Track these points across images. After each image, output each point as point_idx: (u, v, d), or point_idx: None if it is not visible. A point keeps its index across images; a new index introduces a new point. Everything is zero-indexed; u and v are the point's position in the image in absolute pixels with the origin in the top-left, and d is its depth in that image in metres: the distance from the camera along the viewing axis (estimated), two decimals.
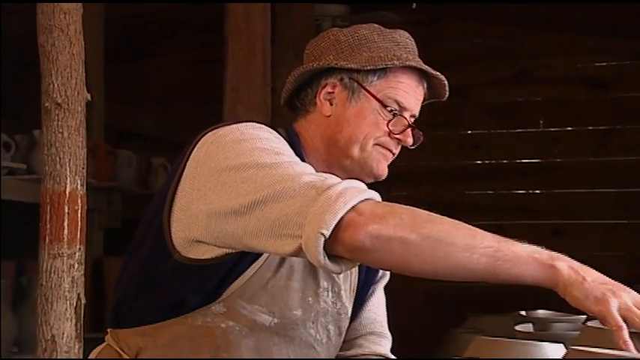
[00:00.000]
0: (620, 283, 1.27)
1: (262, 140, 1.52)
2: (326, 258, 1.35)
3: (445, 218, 1.36)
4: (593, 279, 1.26)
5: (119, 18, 4.97)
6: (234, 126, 1.58)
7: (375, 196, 1.41)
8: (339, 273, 1.52)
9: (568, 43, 5.60)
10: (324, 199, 1.35)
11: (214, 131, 1.59)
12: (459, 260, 1.32)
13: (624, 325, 1.19)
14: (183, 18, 5.42)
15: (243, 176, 1.45)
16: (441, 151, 5.69)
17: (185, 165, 1.57)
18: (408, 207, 1.38)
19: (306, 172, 1.44)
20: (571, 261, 1.30)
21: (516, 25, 5.66)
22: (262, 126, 1.60)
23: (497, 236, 1.33)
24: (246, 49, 3.74)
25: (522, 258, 1.30)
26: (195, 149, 1.57)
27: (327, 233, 1.32)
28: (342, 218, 1.33)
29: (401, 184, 5.61)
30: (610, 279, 1.28)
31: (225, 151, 1.51)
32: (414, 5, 3.25)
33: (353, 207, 1.35)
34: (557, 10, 5.31)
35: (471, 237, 1.33)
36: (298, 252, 1.37)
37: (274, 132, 1.60)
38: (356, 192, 1.37)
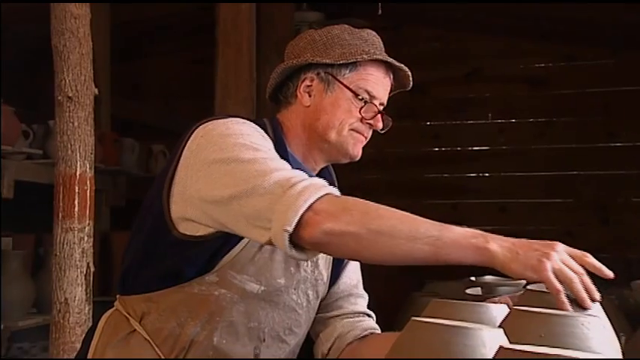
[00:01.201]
0: (546, 242, 1.27)
1: (244, 136, 1.52)
2: (292, 249, 1.36)
3: (392, 211, 1.36)
4: (524, 250, 1.25)
5: (124, 22, 4.94)
6: (222, 121, 1.58)
7: (333, 191, 1.41)
8: (306, 260, 1.55)
9: (512, 46, 5.63)
10: (287, 197, 1.36)
11: (205, 125, 1.58)
12: (404, 250, 1.33)
13: (562, 289, 1.20)
14: (180, 23, 5.41)
15: (225, 169, 1.46)
16: (405, 140, 5.70)
17: (181, 154, 1.57)
18: (359, 202, 1.39)
19: (277, 168, 1.43)
20: (502, 239, 1.28)
21: (468, 31, 5.68)
22: (246, 121, 1.60)
23: (439, 225, 1.32)
24: (234, 50, 3.74)
25: (460, 244, 1.29)
26: (190, 141, 1.57)
27: (290, 230, 1.34)
28: (302, 216, 1.34)
29: (371, 168, 5.64)
30: (536, 241, 1.27)
31: (213, 145, 1.51)
32: (380, 12, 3.25)
33: (311, 205, 1.35)
34: (503, 18, 5.33)
35: (414, 229, 1.32)
36: (270, 242, 1.39)
37: (256, 126, 1.59)
38: (314, 190, 1.37)
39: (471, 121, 5.81)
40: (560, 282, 1.20)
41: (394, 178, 5.83)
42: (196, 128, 1.59)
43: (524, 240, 1.28)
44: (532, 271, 1.23)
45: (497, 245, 1.27)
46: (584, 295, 1.20)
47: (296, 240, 1.36)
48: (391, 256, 1.36)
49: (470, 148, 5.83)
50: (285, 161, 1.51)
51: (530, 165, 5.66)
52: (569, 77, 5.61)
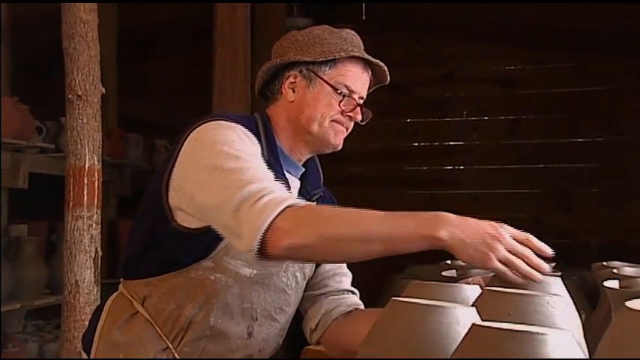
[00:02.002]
0: (492, 223, 1.26)
1: (229, 142, 1.50)
2: (264, 259, 1.37)
3: (344, 216, 1.35)
4: (471, 238, 1.23)
5: (129, 27, 4.93)
6: (213, 125, 1.56)
7: (295, 202, 1.39)
8: (277, 264, 1.59)
9: (485, 51, 5.64)
10: (252, 214, 1.35)
11: (198, 129, 1.56)
12: (359, 252, 1.34)
13: (507, 270, 1.21)
14: (180, 28, 5.39)
15: (210, 177, 1.45)
16: (387, 136, 5.71)
17: (178, 154, 1.56)
18: (314, 213, 1.39)
19: (253, 180, 1.41)
20: (452, 224, 1.26)
21: (445, 36, 5.68)
22: (235, 125, 1.57)
23: (390, 220, 1.31)
24: (230, 53, 3.73)
25: (410, 238, 1.28)
26: (186, 143, 1.56)
27: (255, 249, 1.34)
28: (264, 235, 1.33)
29: (356, 162, 5.64)
30: (485, 224, 1.26)
31: (203, 151, 1.50)
32: (364, 17, 3.26)
33: (271, 224, 1.33)
34: (477, 25, 5.33)
35: (365, 230, 1.32)
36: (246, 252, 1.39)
37: (244, 129, 1.57)
38: (274, 205, 1.35)
39: (448, 119, 5.82)
40: (508, 267, 1.21)
41: (377, 170, 5.83)
42: (192, 131, 1.57)
43: (473, 223, 1.26)
44: (479, 262, 1.23)
45: (447, 233, 1.25)
46: (531, 272, 1.20)
47: (263, 254, 1.36)
48: (350, 258, 1.39)
49: (446, 144, 5.84)
50: (265, 169, 1.49)
51: (500, 159, 5.68)
52: (536, 79, 5.63)
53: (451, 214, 1.28)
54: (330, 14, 4.90)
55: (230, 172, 1.43)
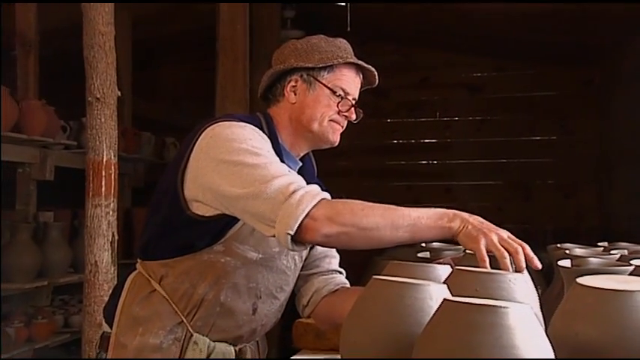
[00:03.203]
0: (492, 225, 1.27)
1: (246, 140, 1.48)
2: (293, 245, 1.36)
3: (375, 208, 1.35)
4: (474, 225, 1.26)
5: (142, 39, 4.91)
6: (227, 124, 1.53)
7: (326, 196, 1.39)
8: (302, 251, 1.59)
9: (455, 60, 5.65)
10: (288, 205, 1.34)
11: (212, 126, 1.53)
12: (388, 239, 1.34)
13: (487, 260, 1.20)
14: (187, 39, 5.37)
15: (232, 170, 1.43)
16: (370, 134, 5.70)
17: (193, 148, 1.52)
18: (348, 205, 1.37)
19: (277, 174, 1.40)
20: (462, 216, 1.29)
21: (420, 47, 5.68)
22: (246, 125, 1.54)
23: (414, 213, 1.32)
24: (231, 61, 3.73)
25: (432, 227, 1.30)
26: (200, 138, 1.52)
27: (292, 233, 1.33)
28: (301, 223, 1.33)
29: (343, 157, 5.62)
30: (488, 222, 1.28)
31: (220, 147, 1.47)
32: (349, 29, 3.24)
33: (309, 213, 1.33)
34: (449, 37, 5.34)
35: (394, 221, 1.32)
36: (273, 236, 1.38)
37: (255, 128, 1.55)
38: (311, 198, 1.35)
39: (423, 119, 5.82)
40: (489, 253, 1.21)
41: (362, 164, 5.83)
42: (205, 128, 1.54)
43: (479, 219, 1.29)
44: (469, 241, 1.25)
45: (458, 221, 1.28)
46: (508, 266, 1.20)
47: (297, 240, 1.35)
48: (378, 244, 1.36)
49: (422, 141, 5.84)
50: (282, 163, 1.48)
51: (469, 154, 5.69)
52: (499, 84, 5.66)
53: (463, 212, 1.32)
54: (318, 26, 4.89)
55: (253, 167, 1.41)
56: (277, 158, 1.49)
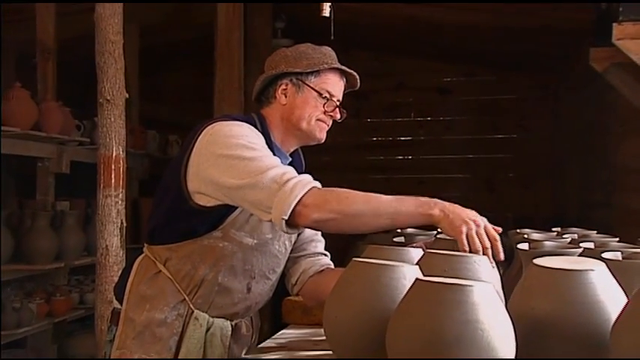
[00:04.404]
0: (474, 213, 1.27)
1: (243, 137, 1.47)
2: (287, 228, 1.37)
3: (360, 196, 1.35)
4: (455, 214, 1.26)
5: (149, 46, 4.88)
6: (225, 123, 1.53)
7: (316, 184, 1.40)
8: (296, 233, 1.58)
9: (428, 66, 5.64)
10: (282, 192, 1.35)
11: (212, 125, 1.52)
12: (371, 224, 1.34)
13: (467, 249, 1.20)
14: (189, 47, 5.34)
15: (230, 163, 1.43)
16: (352, 133, 5.67)
17: (194, 145, 1.51)
18: (335, 193, 1.37)
19: (271, 166, 1.41)
20: (444, 205, 1.29)
21: (397, 55, 5.67)
22: (243, 123, 1.54)
23: (395, 200, 1.31)
24: (228, 67, 3.72)
25: (412, 214, 1.30)
26: (201, 135, 1.51)
27: (286, 218, 1.34)
28: (294, 208, 1.34)
29: (328, 153, 5.59)
30: (468, 210, 1.28)
31: (219, 143, 1.47)
32: (332, 37, 3.25)
33: (300, 199, 1.34)
34: (423, 46, 5.34)
35: (377, 207, 1.33)
36: (270, 221, 1.39)
37: (250, 126, 1.54)
38: (302, 186, 1.36)
39: (399, 119, 5.82)
40: (469, 242, 1.21)
41: (345, 159, 5.81)
42: (205, 127, 1.53)
43: (460, 208, 1.28)
44: (451, 229, 1.25)
45: (438, 210, 1.27)
46: (478, 249, 1.20)
47: (291, 223, 1.36)
48: (363, 229, 1.37)
49: (398, 139, 5.84)
50: (275, 156, 1.47)
51: (440, 151, 5.69)
52: (467, 88, 5.66)
53: (442, 201, 1.30)
54: (306, 35, 4.89)
55: (249, 160, 1.41)
56: (271, 152, 1.48)
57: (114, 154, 2.51)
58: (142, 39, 4.69)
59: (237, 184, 1.40)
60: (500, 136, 5.63)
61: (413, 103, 5.77)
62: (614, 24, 2.27)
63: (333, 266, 1.76)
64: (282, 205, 1.34)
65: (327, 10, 3.74)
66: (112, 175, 2.50)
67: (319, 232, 1.79)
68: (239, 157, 1.42)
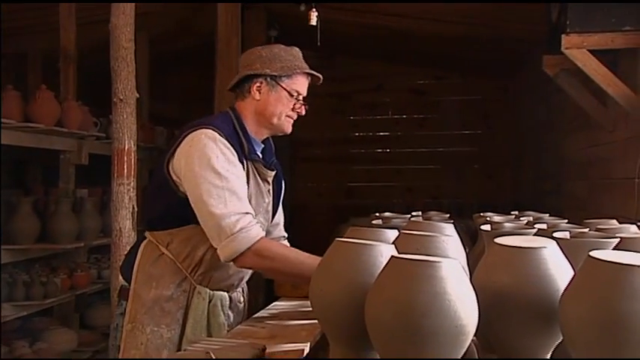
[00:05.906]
0: None
1: (217, 158, 1.48)
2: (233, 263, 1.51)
3: (291, 259, 1.50)
4: None
5: (158, 52, 4.84)
6: (203, 135, 1.50)
7: (261, 236, 1.50)
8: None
9: (404, 70, 5.64)
10: (230, 241, 1.46)
11: (193, 134, 1.51)
12: (290, 280, 1.64)
13: None
14: (193, 53, 5.30)
15: (197, 182, 1.47)
16: (337, 128, 5.69)
17: (176, 149, 1.52)
18: (272, 252, 1.51)
19: (232, 211, 1.46)
20: None
21: (377, 60, 5.66)
22: (219, 138, 1.50)
23: (310, 268, 1.30)
24: (227, 70, 3.72)
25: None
26: (183, 143, 1.51)
27: (229, 261, 1.50)
28: (235, 258, 1.48)
29: (316, 147, 5.61)
30: None
31: (195, 157, 1.48)
32: (319, 44, 3.22)
33: (242, 253, 1.47)
34: (399, 52, 5.32)
35: (297, 274, 1.47)
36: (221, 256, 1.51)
37: (227, 146, 1.51)
38: (247, 242, 1.46)
39: (378, 117, 5.82)
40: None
41: (331, 152, 5.81)
42: (186, 135, 1.52)
43: None
44: None
45: None
46: None
47: (234, 262, 1.49)
48: (283, 281, 1.67)
49: (378, 134, 5.84)
50: (242, 189, 1.51)
51: (414, 144, 5.71)
52: (438, 90, 5.67)
53: None
54: (295, 42, 4.86)
55: (216, 190, 1.46)
56: (238, 180, 1.50)
57: (126, 148, 2.49)
58: (151, 46, 4.67)
59: (201, 200, 1.46)
60: (467, 132, 5.65)
61: (390, 103, 5.77)
62: (563, 35, 2.32)
63: (288, 244, 1.77)
64: (227, 250, 1.46)
65: (314, 19, 3.69)
66: (125, 166, 2.48)
67: (282, 217, 1.78)
68: (207, 182, 1.46)
